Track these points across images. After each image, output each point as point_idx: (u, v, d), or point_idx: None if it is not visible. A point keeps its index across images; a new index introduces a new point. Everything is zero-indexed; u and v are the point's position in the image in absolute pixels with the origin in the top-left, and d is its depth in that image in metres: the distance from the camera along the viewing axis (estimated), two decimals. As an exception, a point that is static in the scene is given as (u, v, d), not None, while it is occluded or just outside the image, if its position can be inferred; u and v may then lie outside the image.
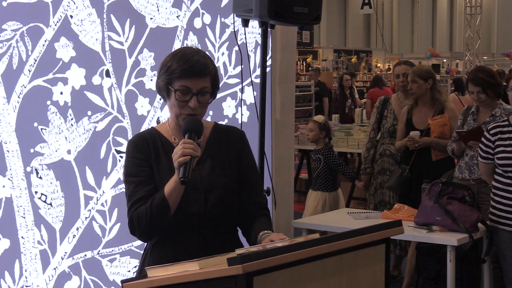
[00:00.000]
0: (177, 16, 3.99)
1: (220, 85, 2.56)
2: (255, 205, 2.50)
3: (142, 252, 2.62)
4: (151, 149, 2.46)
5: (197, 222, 2.41)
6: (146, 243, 2.56)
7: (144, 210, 2.36)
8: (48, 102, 3.45)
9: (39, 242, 3.43)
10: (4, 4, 3.29)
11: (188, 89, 2.39)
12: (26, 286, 3.40)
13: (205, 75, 2.41)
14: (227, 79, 4.23)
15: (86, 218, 3.59)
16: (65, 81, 3.51)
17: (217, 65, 2.57)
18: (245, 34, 4.08)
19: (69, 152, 3.53)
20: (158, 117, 3.90)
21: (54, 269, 3.49)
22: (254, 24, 4.02)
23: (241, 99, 4.24)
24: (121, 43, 3.72)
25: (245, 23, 3.86)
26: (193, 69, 2.38)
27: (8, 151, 3.33)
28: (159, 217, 2.35)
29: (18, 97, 3.35)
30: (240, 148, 2.54)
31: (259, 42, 4.06)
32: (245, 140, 2.59)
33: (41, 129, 3.43)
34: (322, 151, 6.17)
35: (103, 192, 3.64)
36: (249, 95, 4.32)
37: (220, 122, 2.80)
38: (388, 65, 25.55)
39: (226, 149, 2.52)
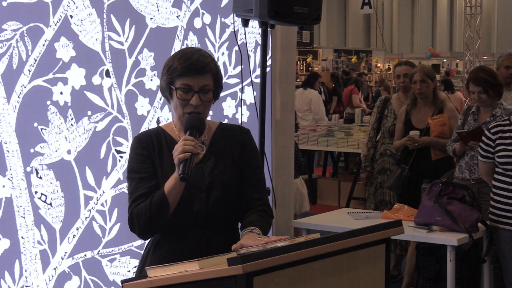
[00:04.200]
0: (177, 16, 3.99)
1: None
2: (254, 201, 2.49)
3: (142, 252, 2.62)
4: (155, 146, 2.47)
5: (198, 221, 2.41)
6: (147, 243, 2.57)
7: (143, 207, 2.37)
8: (48, 102, 3.45)
9: (39, 242, 3.43)
10: (4, 4, 3.29)
11: (190, 87, 2.40)
12: (26, 286, 3.40)
13: (205, 72, 2.41)
14: (227, 79, 4.23)
15: (86, 218, 3.59)
16: (65, 81, 3.50)
17: (217, 65, 2.57)
18: (245, 34, 4.08)
19: (69, 152, 3.53)
20: (158, 117, 3.90)
21: (54, 269, 3.49)
22: (254, 24, 4.02)
23: (241, 99, 4.24)
24: (121, 43, 3.72)
25: (245, 23, 3.86)
26: (193, 67, 2.39)
27: (8, 151, 3.33)
28: (158, 214, 2.35)
29: (18, 97, 3.34)
30: (243, 145, 2.53)
31: (259, 42, 4.06)
32: (250, 138, 2.58)
33: (41, 129, 3.43)
34: None
35: (103, 192, 3.64)
36: (249, 95, 4.32)
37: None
38: (388, 65, 25.55)
39: (230, 146, 2.52)
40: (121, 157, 3.70)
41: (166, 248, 2.45)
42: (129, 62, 3.76)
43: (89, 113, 3.60)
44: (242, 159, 2.51)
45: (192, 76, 2.40)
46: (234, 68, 4.27)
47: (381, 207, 5.60)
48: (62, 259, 3.51)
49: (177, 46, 3.96)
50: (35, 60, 3.39)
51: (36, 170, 3.41)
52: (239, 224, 2.52)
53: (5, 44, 3.30)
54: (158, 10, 3.89)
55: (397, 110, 5.64)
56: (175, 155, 2.29)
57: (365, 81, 17.81)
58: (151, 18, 3.85)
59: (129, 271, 3.74)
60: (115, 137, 3.69)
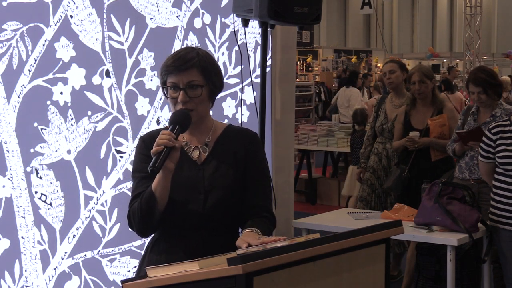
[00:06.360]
0: (177, 16, 3.99)
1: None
2: (257, 208, 2.47)
3: (142, 252, 2.62)
4: None
5: (196, 222, 2.41)
6: (147, 243, 2.57)
7: (137, 204, 2.39)
8: (48, 102, 3.45)
9: (39, 242, 3.43)
10: (4, 4, 3.29)
11: (175, 85, 2.41)
12: (26, 286, 3.40)
13: (188, 68, 2.40)
14: (227, 79, 4.23)
15: (86, 218, 3.59)
16: (65, 81, 3.51)
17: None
18: (245, 34, 4.08)
19: (69, 152, 3.53)
20: (158, 117, 3.90)
21: (54, 269, 3.49)
22: (254, 24, 4.02)
23: (241, 99, 4.23)
24: (121, 43, 3.72)
25: (245, 23, 3.86)
26: (176, 64, 2.40)
27: (8, 151, 3.33)
28: (148, 210, 2.36)
29: (18, 97, 3.35)
30: (248, 149, 2.51)
31: (259, 42, 4.06)
32: (256, 142, 2.55)
33: (41, 129, 3.43)
34: None
35: (103, 192, 3.64)
36: (249, 95, 4.32)
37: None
38: (388, 65, 25.44)
39: (234, 150, 2.50)
40: (121, 157, 3.70)
41: (163, 247, 2.45)
42: (129, 62, 3.76)
43: (89, 113, 3.60)
44: (246, 163, 2.50)
45: (176, 74, 2.40)
46: (234, 68, 4.27)
47: (360, 203, 5.66)
48: (62, 259, 3.51)
49: (177, 46, 3.96)
50: (35, 60, 3.39)
51: (36, 170, 3.41)
52: (240, 230, 2.51)
53: (5, 44, 3.30)
54: (158, 10, 3.89)
55: (389, 110, 5.68)
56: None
57: (369, 82, 17.83)
58: (151, 18, 3.86)
59: (129, 271, 3.74)
60: (115, 137, 3.69)
